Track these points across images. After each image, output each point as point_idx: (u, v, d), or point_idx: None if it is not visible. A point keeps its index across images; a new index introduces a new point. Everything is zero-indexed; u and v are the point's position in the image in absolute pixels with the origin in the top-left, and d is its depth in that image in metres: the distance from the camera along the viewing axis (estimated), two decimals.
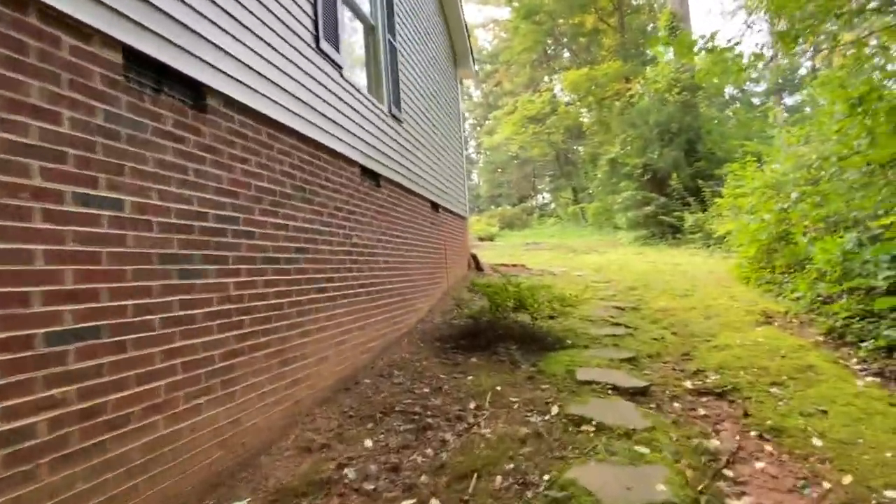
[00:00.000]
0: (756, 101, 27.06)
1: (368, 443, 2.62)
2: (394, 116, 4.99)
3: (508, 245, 14.89)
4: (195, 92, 2.29)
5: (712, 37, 5.92)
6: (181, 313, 2.05)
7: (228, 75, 2.41)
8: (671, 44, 12.66)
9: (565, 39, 24.85)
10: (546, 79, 20.83)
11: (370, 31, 4.86)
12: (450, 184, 7.60)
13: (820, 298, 4.28)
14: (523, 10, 21.82)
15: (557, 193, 29.46)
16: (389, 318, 4.46)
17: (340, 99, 3.70)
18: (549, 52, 26.76)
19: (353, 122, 3.92)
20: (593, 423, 2.62)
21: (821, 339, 3.80)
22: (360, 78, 4.59)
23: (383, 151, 4.61)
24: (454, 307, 5.37)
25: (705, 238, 10.79)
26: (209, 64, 2.28)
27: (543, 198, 35.49)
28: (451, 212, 7.56)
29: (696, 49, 6.71)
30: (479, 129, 36.20)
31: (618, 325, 4.85)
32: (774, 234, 5.83)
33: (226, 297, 2.33)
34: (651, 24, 23.03)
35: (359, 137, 4.01)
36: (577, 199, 22.29)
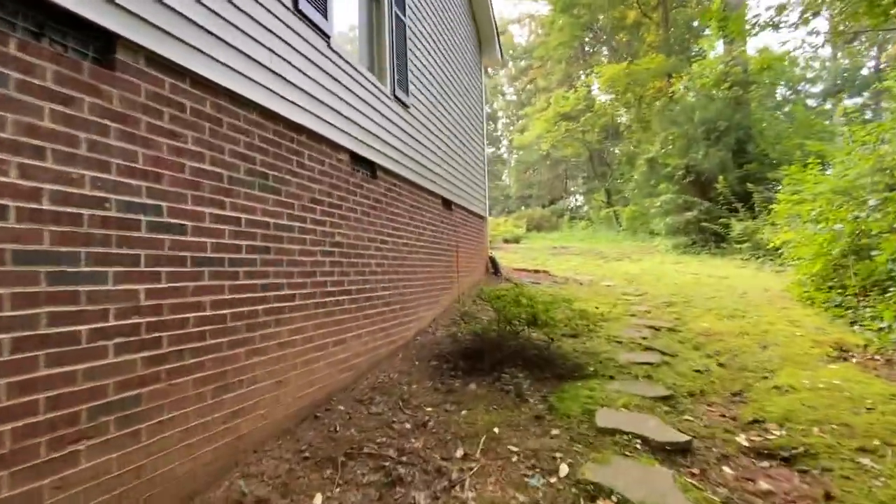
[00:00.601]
0: (812, 102, 25.00)
1: (318, 500, 2.05)
2: (399, 100, 4.41)
3: (534, 248, 14.08)
4: (102, 43, 1.78)
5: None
6: (51, 331, 1.53)
7: (155, 26, 1.88)
8: (724, 23, 11.53)
9: (604, 36, 23.65)
10: (582, 75, 19.75)
11: (374, 1, 4.30)
12: (467, 180, 6.97)
13: None
14: (561, 3, 20.84)
15: (590, 196, 28.21)
16: (381, 329, 3.89)
17: (326, 73, 3.15)
18: (586, 48, 25.60)
19: (343, 101, 3.36)
20: (614, 496, 1.95)
21: None
22: (358, 53, 4.03)
23: (383, 138, 4.04)
24: (459, 319, 4.73)
25: (754, 249, 9.68)
26: (125, 9, 1.76)
27: (576, 200, 34.20)
28: (467, 210, 6.92)
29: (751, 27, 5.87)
30: (511, 128, 35.30)
31: (651, 349, 4.09)
32: (847, 247, 4.88)
33: (132, 309, 1.80)
34: (696, 22, 21.53)
35: (350, 120, 3.45)
36: (611, 201, 21.10)
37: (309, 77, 2.96)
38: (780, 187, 10.32)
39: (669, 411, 2.91)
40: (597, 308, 5.59)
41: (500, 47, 8.30)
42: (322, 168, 3.16)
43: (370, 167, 3.91)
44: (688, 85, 12.90)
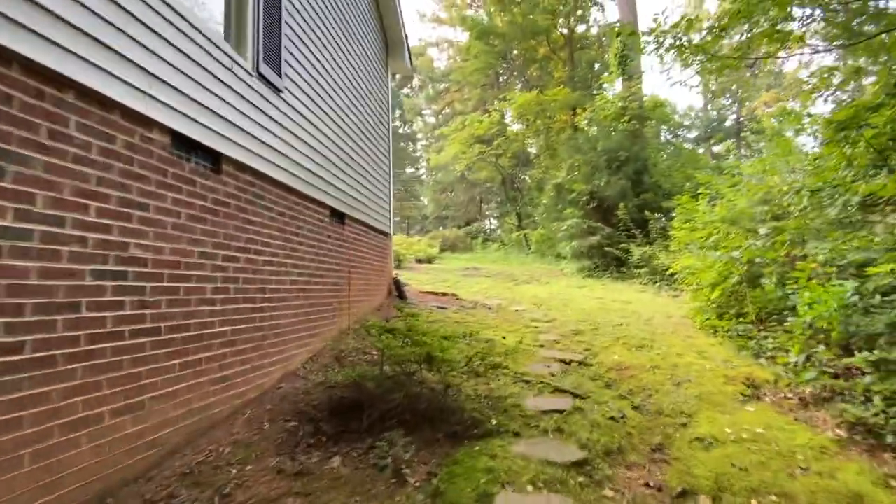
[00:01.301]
0: (688, 145, 28.38)
1: None
2: (265, 80, 3.47)
3: (446, 269, 13.55)
4: None
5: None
6: None
7: None
8: (624, 60, 12.27)
9: (517, 69, 24.73)
10: (496, 102, 20.27)
11: None
12: (368, 192, 6.12)
13: (824, 369, 3.21)
14: (477, 30, 21.33)
15: (503, 219, 28.91)
16: (216, 380, 2.82)
17: (115, 2, 2.14)
18: (500, 78, 26.55)
19: (154, 54, 2.36)
20: None
21: (842, 433, 2.66)
22: (201, 9, 3.04)
23: (235, 123, 3.06)
24: (345, 356, 3.77)
25: (652, 273, 10.07)
26: None
27: (490, 222, 34.97)
28: (366, 226, 6.05)
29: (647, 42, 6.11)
30: (430, 149, 35.33)
31: (562, 391, 3.52)
32: (743, 274, 4.87)
33: None
34: (597, 63, 23.44)
35: (169, 85, 2.44)
36: (522, 225, 21.60)
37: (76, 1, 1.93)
38: (673, 215, 11.05)
39: (585, 483, 2.27)
40: (504, 339, 5.01)
41: (409, 54, 7.71)
42: (108, 147, 2.11)
43: (211, 157, 2.90)
44: (591, 116, 13.56)
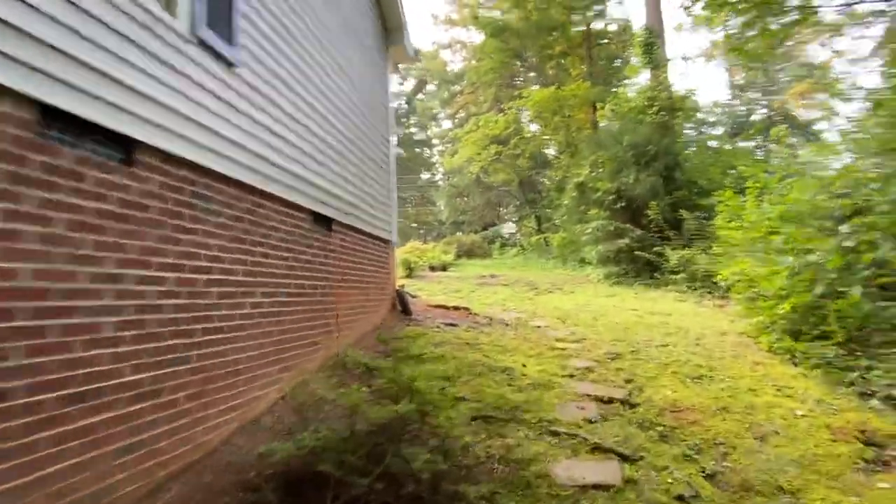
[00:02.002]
0: (713, 144, 26.90)
1: None
2: (209, 48, 2.71)
3: (461, 277, 12.69)
4: None
5: None
6: None
7: None
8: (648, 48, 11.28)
9: (533, 67, 23.83)
10: (512, 101, 19.39)
11: None
12: (364, 194, 5.35)
13: None
14: (491, 28, 20.55)
15: (522, 222, 27.92)
16: (120, 451, 2.04)
17: None
18: (516, 79, 25.69)
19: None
20: None
21: None
22: None
23: (159, 101, 2.30)
24: (305, 408, 2.94)
25: (690, 280, 8.98)
26: None
27: (509, 227, 33.96)
28: (361, 233, 5.27)
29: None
30: (445, 153, 34.68)
31: (604, 450, 2.61)
32: (830, 284, 3.87)
33: None
34: (618, 59, 22.33)
35: (19, 31, 1.68)
36: (542, 228, 20.58)
37: None
38: (708, 215, 9.93)
39: None
40: (524, 367, 4.12)
41: (409, 40, 6.94)
42: None
43: (119, 144, 2.14)
44: (615, 109, 12.55)
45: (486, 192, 30.27)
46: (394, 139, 6.86)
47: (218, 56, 2.80)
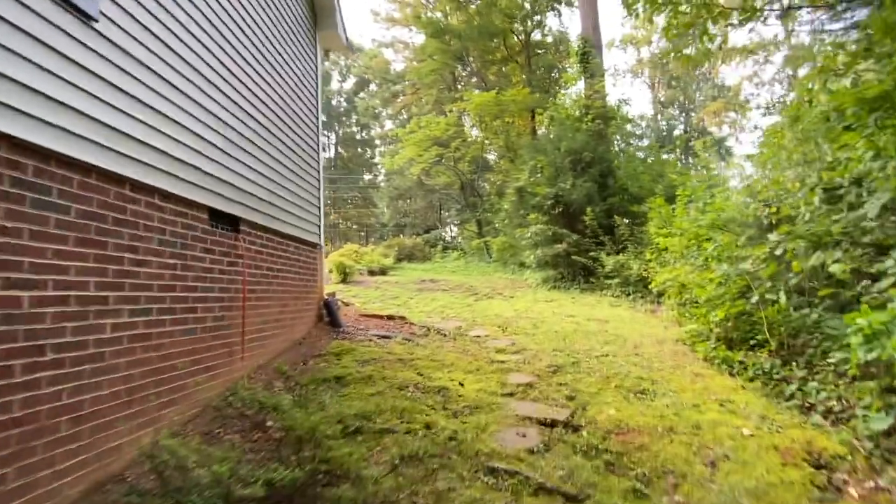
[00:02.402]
0: (641, 154, 28.70)
1: None
2: None
3: (400, 282, 12.17)
4: None
5: None
6: None
7: None
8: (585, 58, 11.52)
9: (475, 67, 23.90)
10: (453, 103, 19.21)
11: None
12: (284, 191, 4.71)
13: None
14: (432, 28, 20.28)
15: (463, 226, 27.92)
16: None
17: None
18: (458, 83, 25.64)
19: None
20: None
21: None
22: None
23: None
24: (167, 480, 2.31)
25: (623, 284, 9.17)
26: None
27: (451, 230, 33.89)
28: (280, 235, 4.62)
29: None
30: (386, 154, 33.91)
31: (548, 490, 2.26)
32: (763, 291, 3.86)
33: None
34: (555, 70, 23.03)
35: None
36: (482, 232, 20.58)
37: None
38: (640, 221, 10.27)
39: None
40: (461, 386, 3.73)
41: (343, 27, 6.37)
42: None
43: None
44: (553, 115, 12.71)
45: (429, 195, 29.96)
46: (326, 139, 6.23)
47: (68, 4, 2.12)
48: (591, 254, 9.99)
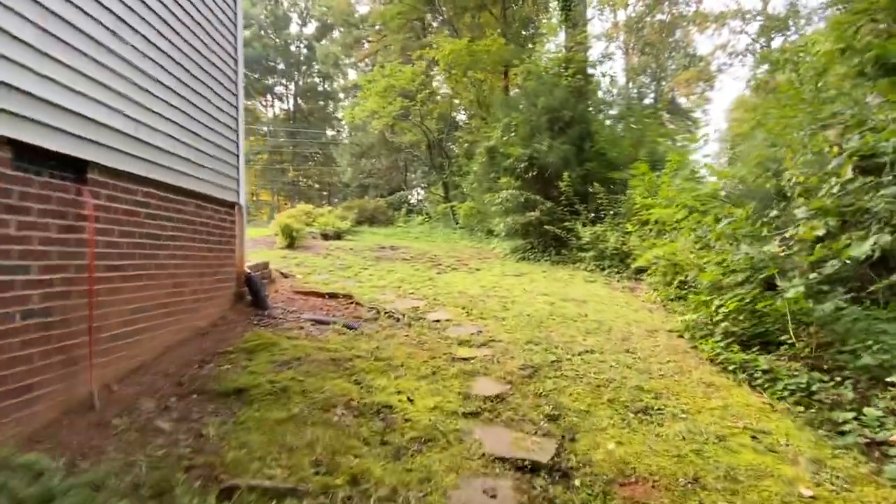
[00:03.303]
0: (608, 122, 28.07)
1: None
2: None
3: (357, 248, 11.00)
4: None
5: None
6: None
7: None
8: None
9: (446, 13, 21.87)
10: (422, 52, 17.37)
11: None
12: (177, 131, 3.42)
13: None
14: None
15: (430, 189, 26.60)
16: None
17: None
18: (427, 32, 23.53)
19: None
20: None
21: None
22: None
23: None
24: None
25: (599, 258, 8.45)
26: None
27: (418, 193, 32.43)
28: (168, 189, 3.38)
29: None
30: (347, 106, 31.48)
31: None
32: (798, 283, 3.08)
33: None
34: (532, 24, 21.39)
35: None
36: (449, 197, 19.43)
37: None
38: (618, 190, 9.50)
39: None
40: (411, 402, 2.78)
41: None
42: None
43: None
44: (530, 69, 11.49)
45: (393, 154, 28.22)
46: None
47: None
48: (566, 223, 9.16)
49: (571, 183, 9.31)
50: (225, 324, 4.07)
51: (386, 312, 4.81)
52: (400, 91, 17.00)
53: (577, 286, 6.97)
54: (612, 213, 8.84)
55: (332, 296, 5.27)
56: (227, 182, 4.36)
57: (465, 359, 3.62)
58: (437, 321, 4.71)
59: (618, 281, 7.49)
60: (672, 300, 5.23)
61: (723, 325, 3.62)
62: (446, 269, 8.35)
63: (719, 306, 3.73)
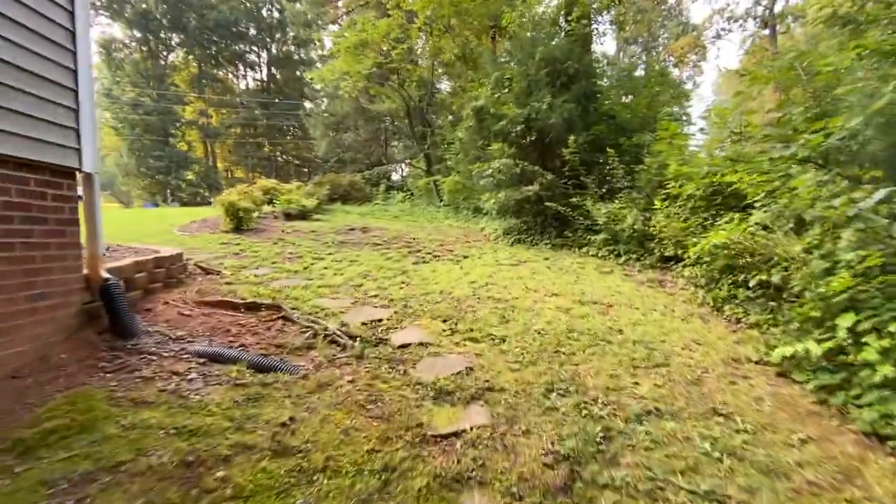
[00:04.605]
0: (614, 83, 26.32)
1: None
2: None
3: (318, 231, 9.29)
4: None
5: None
6: None
7: None
8: None
9: None
10: (399, 3, 15.19)
11: None
12: None
13: None
14: None
15: (412, 163, 24.67)
16: None
17: None
18: None
19: None
20: None
21: None
22: None
23: None
24: None
25: (611, 241, 6.92)
26: None
27: (402, 169, 30.40)
28: None
29: None
30: (315, 70, 28.93)
31: None
32: None
33: None
34: None
35: None
36: (431, 171, 17.63)
37: None
38: (629, 159, 7.93)
39: None
40: None
41: None
42: None
43: None
44: (525, 13, 9.65)
45: (373, 125, 26.07)
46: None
47: None
48: (572, 199, 7.58)
49: (577, 150, 7.68)
50: (45, 369, 2.42)
51: (327, 335, 3.20)
52: (376, 49, 14.93)
53: (591, 279, 5.45)
54: (626, 186, 7.28)
55: (252, 307, 3.62)
56: (56, 135, 2.63)
57: (443, 437, 2.06)
58: (405, 347, 3.12)
59: (639, 271, 6.00)
60: (731, 303, 3.73)
61: (882, 370, 2.12)
62: (426, 258, 6.73)
63: (858, 333, 2.23)
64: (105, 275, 2.95)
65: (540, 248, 7.88)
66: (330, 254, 6.66)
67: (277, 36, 43.15)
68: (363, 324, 3.54)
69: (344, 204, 16.49)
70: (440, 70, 19.66)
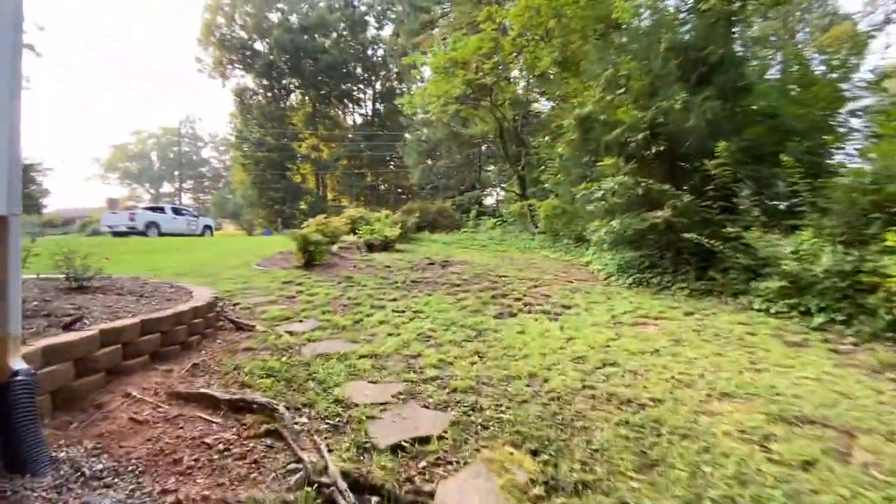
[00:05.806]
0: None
1: None
2: None
3: (397, 265, 8.27)
4: None
5: None
6: None
7: None
8: None
9: None
10: (489, 9, 14.21)
11: None
12: None
13: None
14: None
15: (505, 186, 23.35)
16: None
17: None
18: None
19: None
20: None
21: None
22: None
23: None
24: None
25: (793, 290, 4.65)
26: None
27: (498, 193, 29.27)
28: None
29: None
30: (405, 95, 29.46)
31: None
32: None
33: None
34: None
35: None
36: (526, 194, 16.03)
37: None
38: (802, 173, 5.50)
39: None
40: None
41: None
42: None
43: None
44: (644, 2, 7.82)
45: (465, 150, 25.44)
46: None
47: None
48: (725, 229, 5.46)
49: (728, 160, 5.57)
50: None
51: (322, 488, 1.83)
52: (467, 68, 14.01)
53: (776, 358, 3.40)
54: (799, 209, 4.98)
55: (237, 408, 2.42)
56: None
57: None
58: None
59: (855, 345, 3.75)
60: None
61: None
62: (512, 308, 5.17)
63: None
64: (15, 365, 1.97)
65: (674, 295, 5.82)
66: (394, 299, 5.44)
67: (382, 73, 45.77)
68: (396, 449, 2.13)
69: (432, 232, 15.65)
70: (535, 85, 18.23)
